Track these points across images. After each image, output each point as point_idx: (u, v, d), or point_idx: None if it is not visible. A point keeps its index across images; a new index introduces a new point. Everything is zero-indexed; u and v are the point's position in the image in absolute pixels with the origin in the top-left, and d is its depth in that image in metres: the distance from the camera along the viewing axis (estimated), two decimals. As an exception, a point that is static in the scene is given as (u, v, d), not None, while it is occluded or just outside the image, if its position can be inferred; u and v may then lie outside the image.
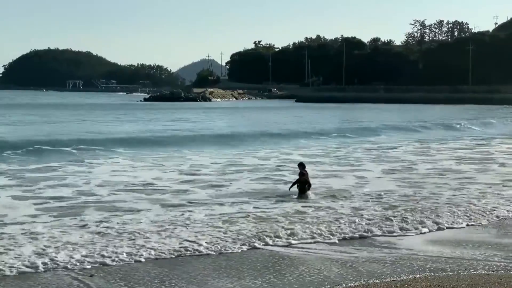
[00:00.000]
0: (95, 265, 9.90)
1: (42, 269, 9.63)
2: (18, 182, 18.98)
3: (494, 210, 14.71)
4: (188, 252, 10.75)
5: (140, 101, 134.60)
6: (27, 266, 9.73)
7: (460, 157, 27.51)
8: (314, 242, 11.54)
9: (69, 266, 9.79)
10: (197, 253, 10.72)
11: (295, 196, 16.24)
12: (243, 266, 9.98)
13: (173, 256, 10.51)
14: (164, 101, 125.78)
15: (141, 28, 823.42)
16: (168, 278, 9.30)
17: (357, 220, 13.30)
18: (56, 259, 10.08)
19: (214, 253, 10.72)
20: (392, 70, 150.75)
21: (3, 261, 9.90)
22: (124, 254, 10.49)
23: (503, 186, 18.64)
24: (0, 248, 10.65)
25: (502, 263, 10.08)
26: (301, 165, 17.01)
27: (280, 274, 9.52)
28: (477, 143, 35.61)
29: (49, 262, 9.92)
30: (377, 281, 9.11)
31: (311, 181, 16.84)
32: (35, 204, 15.33)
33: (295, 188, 16.54)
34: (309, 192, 16.34)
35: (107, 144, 30.60)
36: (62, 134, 37.51)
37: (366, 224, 12.98)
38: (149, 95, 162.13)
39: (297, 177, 16.81)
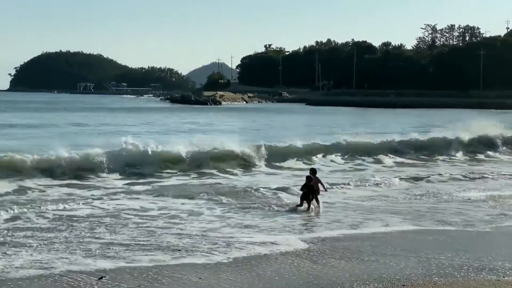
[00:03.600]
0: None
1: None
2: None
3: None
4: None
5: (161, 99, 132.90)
6: None
7: None
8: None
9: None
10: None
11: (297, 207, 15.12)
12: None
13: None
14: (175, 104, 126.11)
15: (152, 31, 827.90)
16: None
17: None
18: None
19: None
20: (403, 74, 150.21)
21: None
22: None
23: None
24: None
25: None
26: (312, 171, 16.13)
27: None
28: None
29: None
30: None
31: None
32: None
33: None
34: (314, 203, 15.16)
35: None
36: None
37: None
38: (160, 98, 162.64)
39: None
